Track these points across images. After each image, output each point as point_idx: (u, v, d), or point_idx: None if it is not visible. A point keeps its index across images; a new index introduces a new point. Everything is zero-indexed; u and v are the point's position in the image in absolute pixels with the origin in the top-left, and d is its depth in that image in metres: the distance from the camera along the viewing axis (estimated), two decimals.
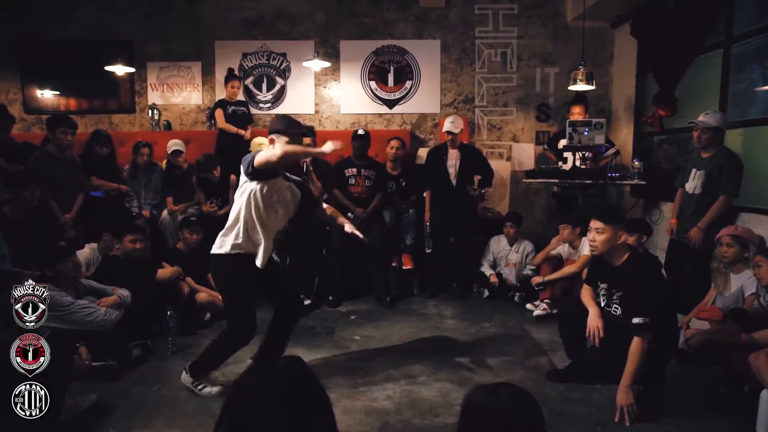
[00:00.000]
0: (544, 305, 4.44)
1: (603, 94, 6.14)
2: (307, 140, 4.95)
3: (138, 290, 3.71)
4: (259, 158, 2.73)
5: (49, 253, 3.42)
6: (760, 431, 2.51)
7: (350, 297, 4.97)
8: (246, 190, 2.86)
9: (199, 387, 3.04)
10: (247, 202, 2.86)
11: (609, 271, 2.93)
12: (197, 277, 4.38)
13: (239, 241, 2.89)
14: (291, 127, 2.91)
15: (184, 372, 3.10)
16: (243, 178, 2.87)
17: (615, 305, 2.90)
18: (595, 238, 2.85)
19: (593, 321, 2.91)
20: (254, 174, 2.79)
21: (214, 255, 2.97)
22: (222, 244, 2.93)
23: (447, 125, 4.94)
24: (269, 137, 2.92)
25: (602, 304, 2.98)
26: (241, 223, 2.88)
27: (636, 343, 2.71)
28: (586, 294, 3.09)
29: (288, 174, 3.06)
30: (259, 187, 2.83)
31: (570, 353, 3.31)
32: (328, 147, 2.63)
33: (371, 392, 3.08)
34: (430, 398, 3.01)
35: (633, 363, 2.70)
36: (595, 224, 2.84)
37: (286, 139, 2.85)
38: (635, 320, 2.71)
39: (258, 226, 2.88)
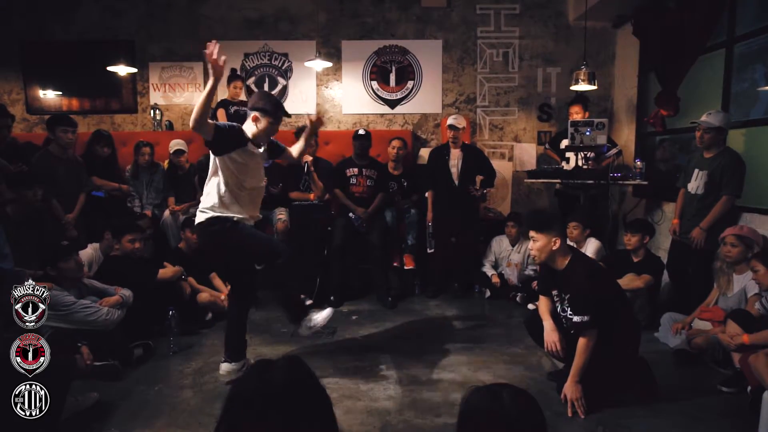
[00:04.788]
0: None
1: (605, 94, 6.13)
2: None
3: (140, 290, 3.71)
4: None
5: (52, 253, 3.42)
6: None
7: (352, 297, 4.97)
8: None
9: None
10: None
11: (556, 276, 2.99)
12: (199, 277, 4.39)
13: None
14: (279, 110, 3.08)
15: (226, 364, 3.17)
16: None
17: (567, 308, 2.92)
18: (532, 246, 2.97)
19: (548, 336, 3.01)
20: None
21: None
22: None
23: (450, 120, 4.97)
24: (252, 115, 3.03)
25: (558, 310, 3.03)
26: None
27: (582, 340, 2.80)
28: (542, 306, 3.15)
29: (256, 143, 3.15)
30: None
31: (559, 359, 3.30)
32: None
33: (373, 392, 3.08)
34: (431, 398, 3.01)
35: (579, 360, 2.81)
36: (530, 233, 2.96)
37: (269, 120, 3.02)
38: (575, 319, 2.80)
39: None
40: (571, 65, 5.86)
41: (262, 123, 3.02)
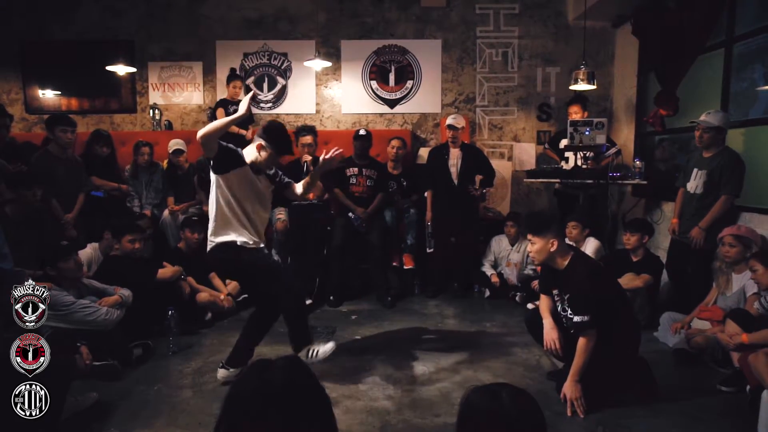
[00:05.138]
0: None
1: (604, 94, 6.13)
2: (308, 139, 5.01)
3: (139, 290, 3.71)
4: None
5: (51, 253, 3.42)
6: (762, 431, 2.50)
7: (351, 297, 4.97)
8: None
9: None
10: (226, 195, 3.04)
11: (557, 276, 2.99)
12: (198, 277, 4.38)
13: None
14: (284, 147, 3.11)
15: (223, 370, 3.17)
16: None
17: (568, 308, 2.91)
18: (530, 249, 3.00)
19: (547, 335, 3.01)
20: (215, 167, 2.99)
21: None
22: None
23: (449, 120, 4.96)
24: (258, 142, 3.05)
25: (558, 309, 3.03)
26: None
27: (581, 340, 2.81)
28: (542, 305, 3.15)
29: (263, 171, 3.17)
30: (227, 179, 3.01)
31: (558, 358, 3.30)
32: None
33: (372, 392, 3.08)
34: (431, 398, 3.01)
35: (579, 359, 2.82)
36: (528, 236, 3.01)
37: (273, 152, 3.05)
38: (575, 318, 2.81)
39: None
40: (571, 65, 5.86)
41: (265, 153, 3.05)
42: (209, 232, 3.10)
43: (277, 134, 3.08)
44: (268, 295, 3.19)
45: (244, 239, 3.04)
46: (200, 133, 2.79)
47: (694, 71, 4.67)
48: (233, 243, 3.02)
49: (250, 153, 3.08)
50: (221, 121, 2.87)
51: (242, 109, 2.90)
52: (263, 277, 3.13)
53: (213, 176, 3.02)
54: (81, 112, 6.21)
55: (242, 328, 3.31)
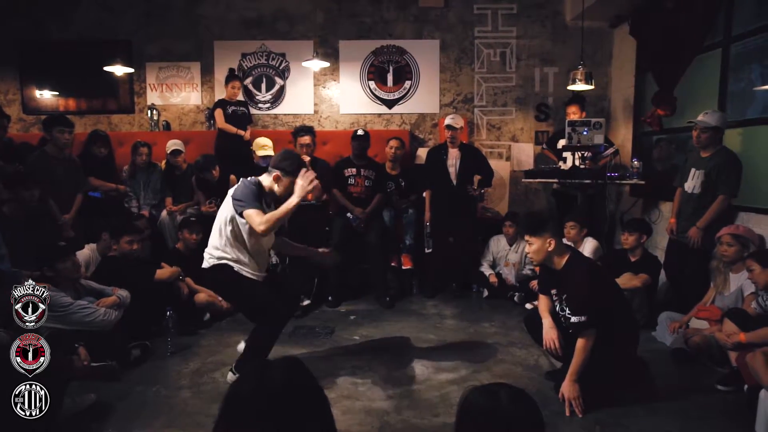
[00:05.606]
0: None
1: (602, 94, 6.14)
2: (306, 139, 5.00)
3: (137, 290, 3.71)
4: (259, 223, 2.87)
5: (49, 253, 3.42)
6: (760, 430, 2.51)
7: (350, 297, 4.97)
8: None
9: None
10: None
11: (555, 276, 2.99)
12: (197, 278, 4.37)
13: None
14: (300, 169, 3.05)
15: (231, 374, 3.18)
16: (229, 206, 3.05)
17: (566, 308, 2.92)
18: (528, 250, 3.00)
19: (547, 334, 3.02)
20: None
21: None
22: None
23: (448, 120, 4.96)
24: (274, 173, 3.06)
25: (557, 309, 3.03)
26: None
27: (580, 340, 2.82)
28: (541, 304, 3.17)
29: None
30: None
31: (557, 357, 3.31)
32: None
33: (371, 392, 3.09)
34: (429, 398, 3.02)
35: (577, 359, 2.82)
36: (525, 237, 3.00)
37: (291, 179, 3.03)
38: (573, 319, 2.81)
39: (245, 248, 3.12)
40: (569, 65, 5.87)
41: (284, 182, 3.07)
42: (210, 248, 3.13)
43: (289, 160, 3.10)
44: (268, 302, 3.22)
45: (245, 268, 3.10)
46: (266, 229, 2.85)
47: (691, 71, 4.68)
48: (231, 267, 3.07)
49: (266, 182, 3.10)
50: (284, 210, 2.89)
51: (299, 196, 2.92)
52: (253, 306, 3.18)
53: (232, 211, 3.01)
54: (79, 112, 6.20)
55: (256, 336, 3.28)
